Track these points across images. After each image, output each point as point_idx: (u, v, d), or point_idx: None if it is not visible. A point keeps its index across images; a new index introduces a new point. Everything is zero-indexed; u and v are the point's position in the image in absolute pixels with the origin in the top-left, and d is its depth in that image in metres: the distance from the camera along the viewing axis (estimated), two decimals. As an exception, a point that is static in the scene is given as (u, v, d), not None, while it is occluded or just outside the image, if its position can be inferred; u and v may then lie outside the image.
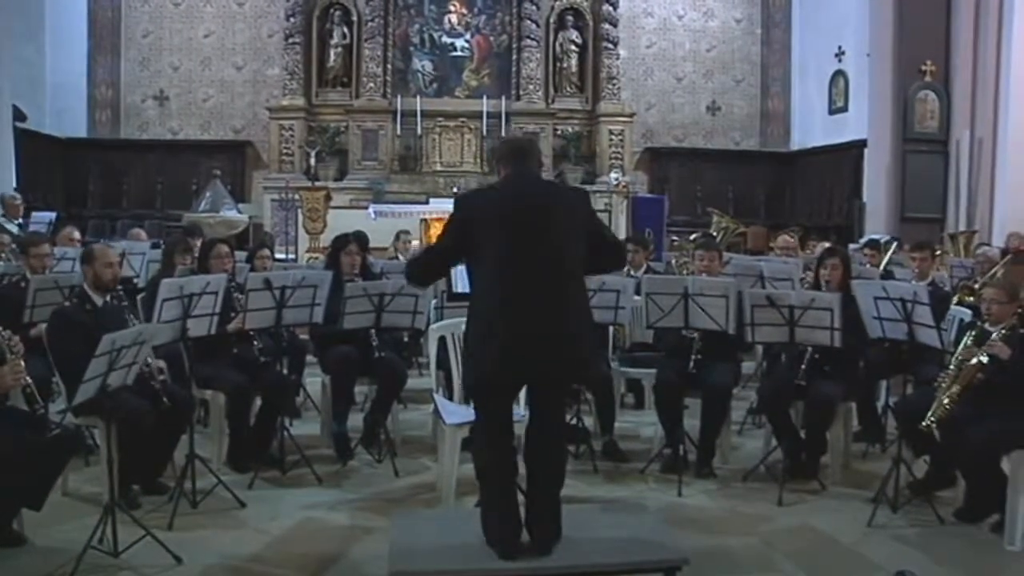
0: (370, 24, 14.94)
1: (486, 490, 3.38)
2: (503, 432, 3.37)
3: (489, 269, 3.34)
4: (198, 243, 6.47)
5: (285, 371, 5.68)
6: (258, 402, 5.16)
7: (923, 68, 13.09)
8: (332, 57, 15.08)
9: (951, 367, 4.28)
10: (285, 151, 14.96)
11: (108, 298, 4.58)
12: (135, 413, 4.14)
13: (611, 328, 5.83)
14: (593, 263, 3.53)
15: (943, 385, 4.23)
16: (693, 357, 5.08)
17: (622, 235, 11.03)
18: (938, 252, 8.05)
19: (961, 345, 4.33)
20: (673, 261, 8.90)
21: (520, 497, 3.40)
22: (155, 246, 8.09)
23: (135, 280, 6.70)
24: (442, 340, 4.87)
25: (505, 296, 3.30)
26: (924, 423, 4.17)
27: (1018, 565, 3.72)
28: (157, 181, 15.28)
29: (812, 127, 15.96)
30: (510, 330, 3.27)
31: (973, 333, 4.33)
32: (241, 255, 6.85)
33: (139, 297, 5.52)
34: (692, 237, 9.86)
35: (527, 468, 3.41)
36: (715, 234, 12.15)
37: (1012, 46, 12.35)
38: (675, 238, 12.54)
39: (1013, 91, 12.44)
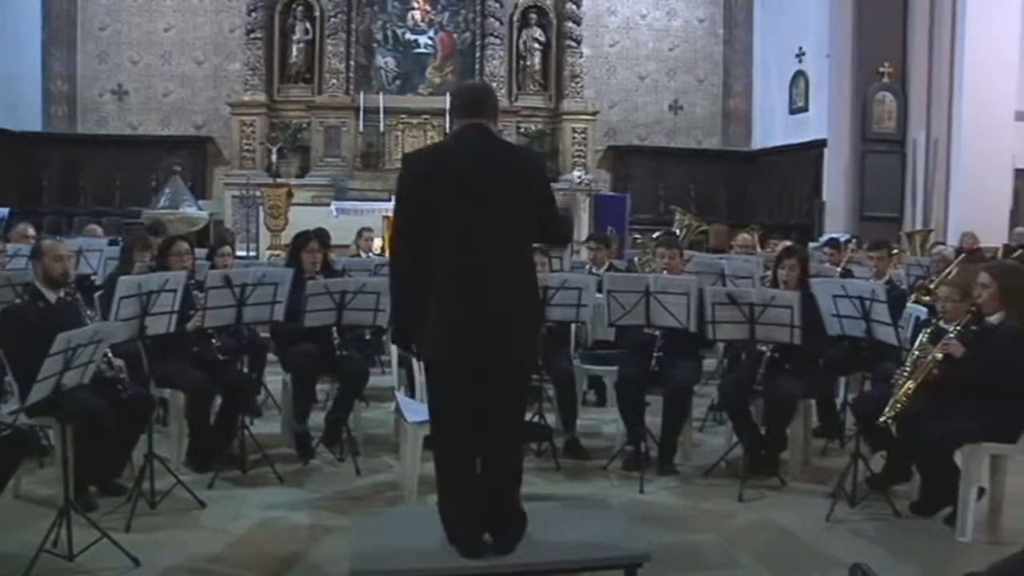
0: (333, 20, 14.84)
1: (443, 486, 3.29)
2: (457, 423, 3.25)
3: (437, 240, 3.18)
4: (158, 241, 6.38)
5: (246, 369, 5.63)
6: (218, 401, 5.10)
7: (881, 70, 13.30)
8: (294, 53, 14.96)
9: (908, 364, 4.35)
10: (246, 147, 14.82)
11: (62, 294, 4.49)
12: (92, 413, 4.07)
13: (573, 326, 5.85)
14: (539, 234, 3.42)
15: (900, 382, 4.29)
16: (655, 354, 5.11)
17: (585, 233, 11.07)
18: (895, 251, 8.19)
19: (917, 342, 4.41)
20: (636, 259, 8.95)
21: None
22: (113, 243, 7.97)
23: (92, 277, 6.59)
24: (404, 338, 4.84)
25: (453, 271, 3.17)
26: (881, 419, 4.23)
27: (968, 556, 3.79)
28: (115, 177, 15.06)
29: (773, 127, 16.14)
30: (459, 308, 3.16)
31: (929, 331, 4.41)
32: (201, 252, 6.77)
33: (96, 295, 5.43)
34: (654, 235, 9.91)
35: (482, 465, 3.32)
36: (677, 232, 12.23)
37: (965, 49, 12.60)
38: (638, 236, 12.60)
39: (966, 93, 12.69)
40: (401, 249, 3.33)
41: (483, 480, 3.29)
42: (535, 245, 3.67)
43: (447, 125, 14.64)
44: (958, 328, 4.25)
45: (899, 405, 4.21)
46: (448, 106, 3.47)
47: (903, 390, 4.23)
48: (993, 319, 4.26)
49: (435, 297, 3.20)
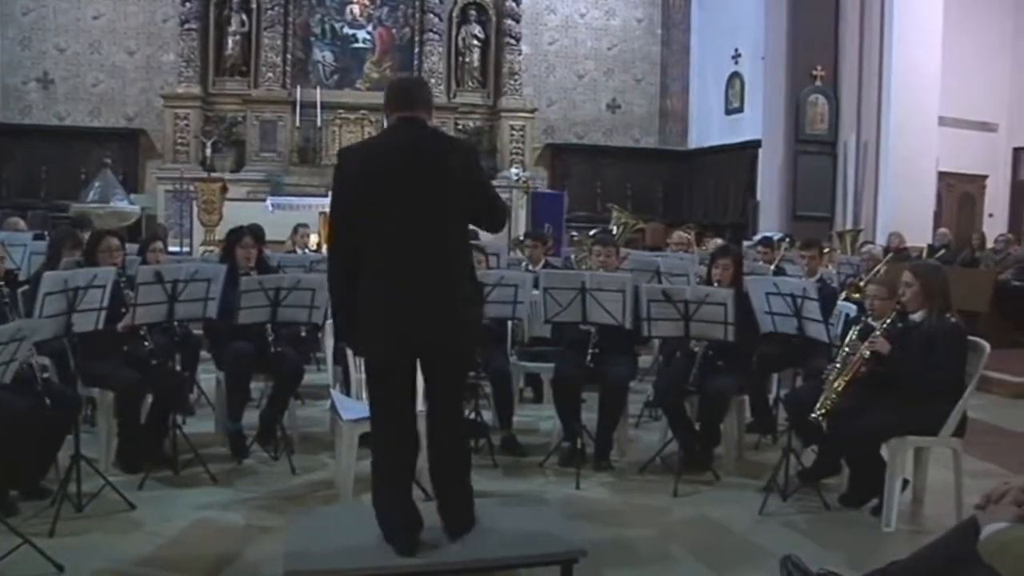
0: (270, 12, 14.65)
1: (380, 484, 3.27)
2: (395, 421, 3.24)
3: (372, 235, 3.17)
4: (87, 235, 6.21)
5: (178, 367, 5.51)
6: (149, 399, 4.99)
7: (814, 73, 13.60)
8: (230, 45, 14.73)
9: (838, 361, 4.45)
10: (180, 140, 14.54)
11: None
12: (14, 414, 3.94)
13: (510, 323, 5.86)
14: (474, 219, 3.42)
15: (830, 378, 4.39)
16: (591, 351, 5.13)
17: (522, 229, 11.10)
18: (827, 249, 8.37)
19: (847, 339, 4.51)
20: (572, 256, 9.00)
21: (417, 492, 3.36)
22: (38, 237, 7.74)
23: (16, 272, 6.39)
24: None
25: (388, 268, 3.16)
26: (813, 415, 4.32)
27: (893, 545, 3.90)
28: (41, 169, 14.60)
29: (709, 127, 16.38)
30: (395, 305, 3.15)
31: (858, 328, 4.52)
32: (133, 248, 6.62)
33: (20, 291, 5.26)
34: (591, 233, 9.98)
35: (431, 460, 3.35)
36: (614, 230, 12.33)
37: (893, 55, 12.98)
38: (575, 233, 12.68)
39: (895, 97, 13.07)
40: (337, 244, 3.30)
41: (435, 474, 3.33)
42: (472, 241, 3.67)
43: (384, 121, 14.53)
44: (884, 325, 4.36)
45: (829, 401, 4.30)
46: (383, 100, 3.42)
47: (833, 386, 4.33)
48: (916, 316, 4.39)
49: (371, 293, 3.18)
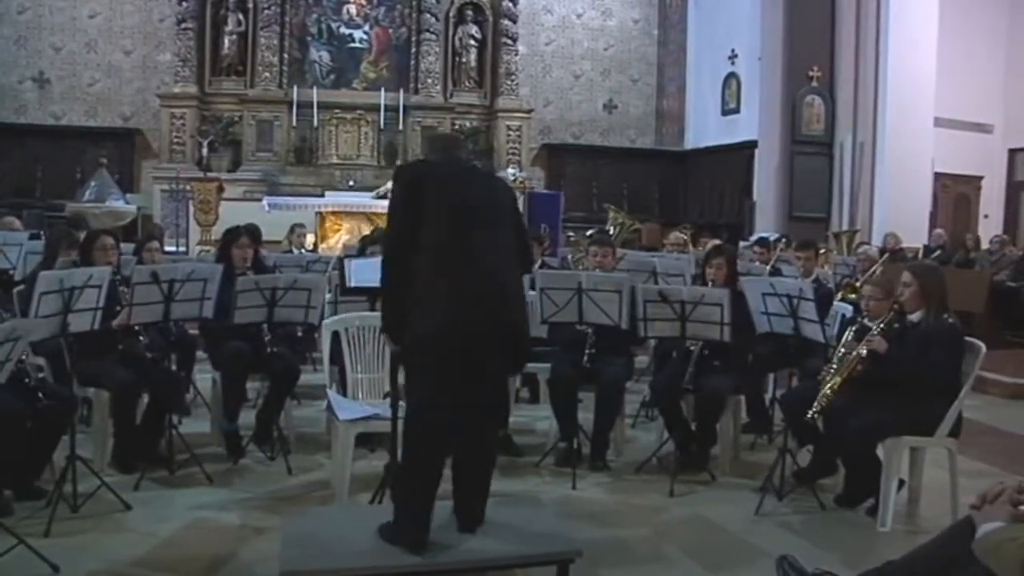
0: (266, 12, 14.63)
1: (413, 480, 3.23)
2: (444, 417, 3.23)
3: (436, 239, 3.26)
4: (82, 234, 6.20)
5: (174, 367, 5.51)
6: (145, 399, 4.98)
7: (810, 73, 13.63)
8: (226, 44, 14.71)
9: (834, 361, 4.46)
10: (176, 140, 14.51)
11: (-19, 291, 4.34)
12: (9, 414, 3.93)
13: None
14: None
15: (826, 378, 4.40)
16: (587, 351, 5.14)
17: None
18: (823, 250, 8.39)
19: (843, 339, 4.52)
20: (568, 256, 9.00)
21: None
22: (34, 237, 7.72)
23: (11, 272, 6.38)
24: (336, 335, 4.80)
25: (453, 264, 3.26)
26: (808, 415, 4.33)
27: (888, 546, 3.91)
28: (37, 168, 14.55)
29: (705, 127, 16.38)
30: (457, 293, 3.22)
31: (854, 328, 4.53)
32: (128, 247, 6.61)
33: (15, 290, 5.25)
34: (588, 233, 9.98)
35: (459, 457, 3.36)
36: (610, 230, 12.34)
37: (888, 56, 13.01)
38: (571, 234, 12.70)
39: (890, 98, 13.11)
40: (397, 244, 3.38)
41: (461, 465, 3.36)
42: None
43: (381, 121, 14.55)
44: (881, 325, 4.37)
45: (825, 400, 4.31)
46: (424, 149, 3.68)
47: (829, 386, 4.34)
48: (914, 316, 4.40)
49: (435, 283, 3.24)
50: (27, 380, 4.15)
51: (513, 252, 3.46)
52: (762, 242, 8.76)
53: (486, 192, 3.47)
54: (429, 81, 15.10)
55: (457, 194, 3.36)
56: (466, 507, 3.37)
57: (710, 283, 5.22)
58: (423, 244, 3.28)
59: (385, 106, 14.58)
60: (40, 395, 4.14)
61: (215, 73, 14.81)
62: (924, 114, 13.31)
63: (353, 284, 5.22)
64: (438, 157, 3.58)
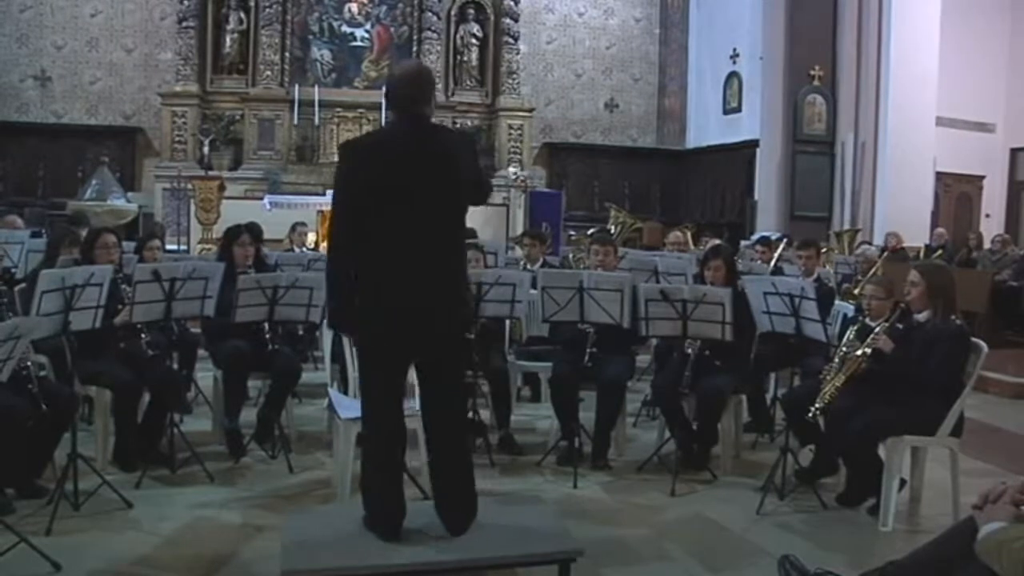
0: (268, 10, 14.62)
1: (369, 470, 3.34)
2: (387, 408, 3.30)
3: (376, 230, 3.24)
4: (85, 233, 6.20)
5: (175, 366, 5.50)
6: (146, 398, 4.98)
7: (812, 73, 13.63)
8: (228, 43, 14.70)
9: (836, 360, 4.45)
10: (178, 139, 14.51)
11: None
12: (10, 413, 3.93)
13: (507, 322, 5.86)
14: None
15: (828, 377, 4.40)
16: (588, 351, 5.14)
17: (519, 228, 11.10)
18: (824, 249, 8.38)
19: (845, 339, 4.52)
20: (570, 255, 9.00)
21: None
22: (36, 235, 7.72)
23: (13, 271, 6.38)
24: (337, 333, 4.80)
25: (392, 260, 3.25)
26: (809, 413, 4.33)
27: (889, 545, 3.91)
28: (38, 166, 14.57)
29: (707, 126, 16.37)
30: (397, 294, 3.23)
31: (856, 327, 4.52)
32: (130, 246, 6.61)
33: (17, 289, 5.25)
34: (589, 232, 9.98)
35: (433, 449, 3.41)
36: (611, 229, 12.34)
37: (890, 55, 13.01)
38: (572, 233, 12.69)
39: (892, 98, 13.10)
40: (340, 233, 3.35)
41: (436, 464, 3.40)
42: (470, 240, 3.73)
43: (382, 119, 14.53)
44: (886, 324, 4.37)
45: (827, 400, 4.31)
46: (384, 95, 3.57)
47: (831, 385, 4.34)
48: (920, 316, 4.39)
49: (374, 278, 3.26)
50: (31, 379, 4.15)
51: (449, 228, 3.36)
52: (764, 241, 8.76)
53: (423, 162, 3.30)
54: (430, 80, 15.07)
55: (384, 175, 3.24)
56: (447, 510, 3.35)
57: (708, 284, 5.21)
58: (364, 236, 3.26)
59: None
60: (41, 393, 4.14)
61: (216, 71, 14.81)
62: (926, 113, 13.31)
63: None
64: (390, 122, 3.49)
